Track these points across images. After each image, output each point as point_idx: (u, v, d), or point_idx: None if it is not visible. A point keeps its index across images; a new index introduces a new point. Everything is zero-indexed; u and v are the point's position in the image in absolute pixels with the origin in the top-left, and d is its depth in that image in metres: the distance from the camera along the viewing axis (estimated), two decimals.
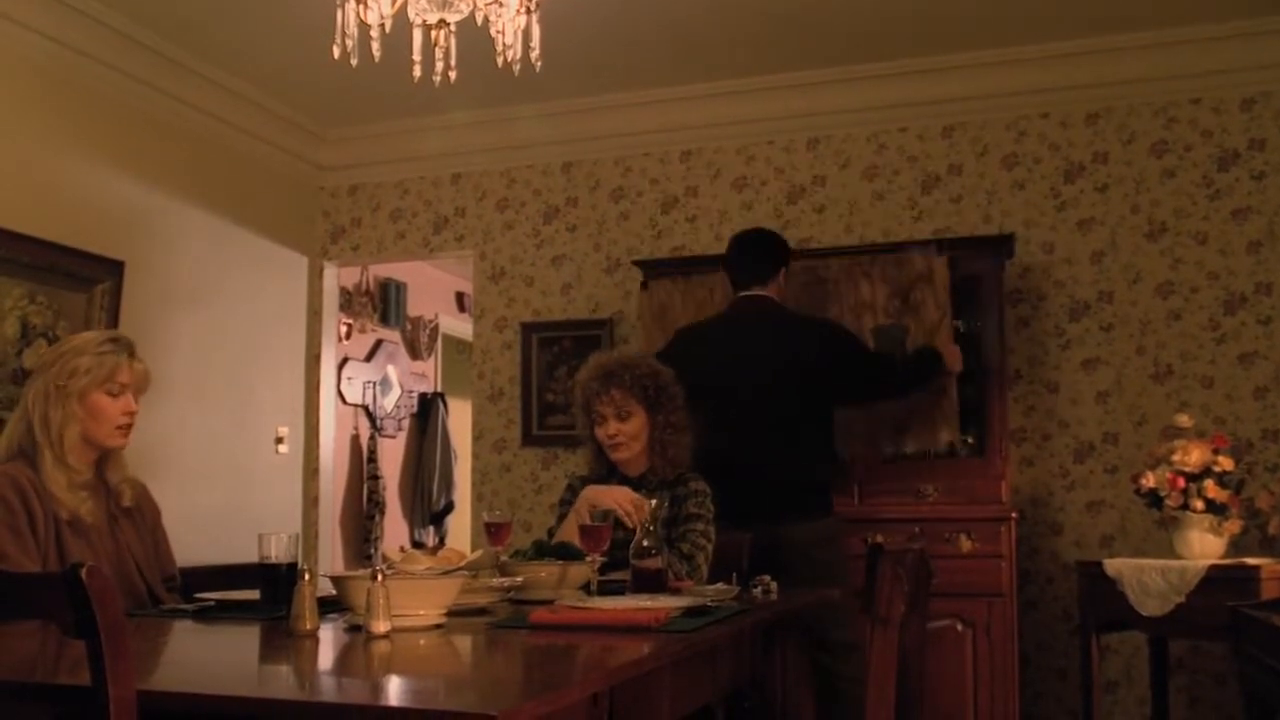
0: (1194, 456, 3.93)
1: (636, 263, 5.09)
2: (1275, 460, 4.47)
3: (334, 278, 6.01)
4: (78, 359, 2.53)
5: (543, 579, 2.55)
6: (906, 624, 2.33)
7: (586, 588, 2.54)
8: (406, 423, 7.51)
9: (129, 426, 2.60)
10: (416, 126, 5.60)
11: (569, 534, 2.94)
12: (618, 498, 2.97)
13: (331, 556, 6.04)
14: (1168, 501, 3.93)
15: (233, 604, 2.44)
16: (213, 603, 2.46)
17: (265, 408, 5.52)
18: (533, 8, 2.82)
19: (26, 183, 4.29)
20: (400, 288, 7.36)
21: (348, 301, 6.73)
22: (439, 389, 7.85)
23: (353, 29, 2.72)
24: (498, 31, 2.79)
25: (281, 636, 2.06)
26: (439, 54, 2.79)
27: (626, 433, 3.15)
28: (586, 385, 3.20)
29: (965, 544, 4.18)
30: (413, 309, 7.59)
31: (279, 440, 5.60)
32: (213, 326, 5.18)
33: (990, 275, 4.48)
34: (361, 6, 2.70)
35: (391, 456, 7.34)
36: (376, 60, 2.73)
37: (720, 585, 2.68)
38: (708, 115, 5.23)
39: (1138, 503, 4.19)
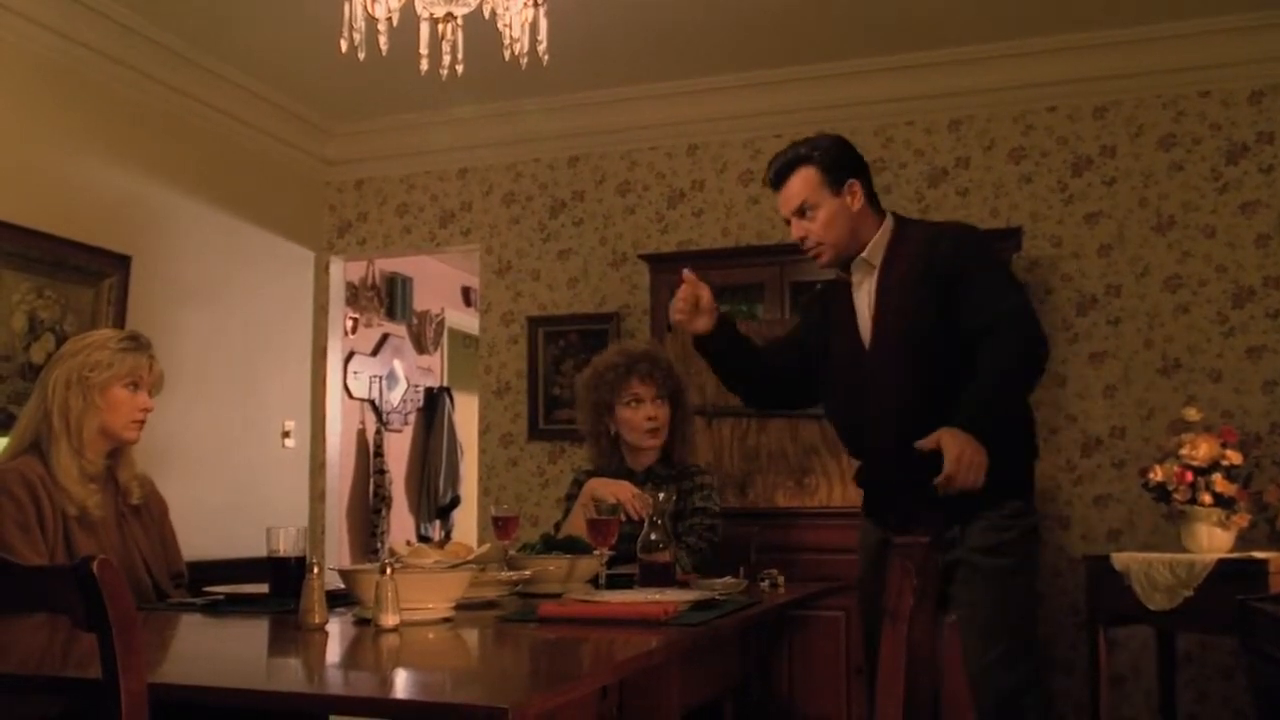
0: (1202, 450, 3.92)
1: (643, 256, 5.09)
2: None
3: (340, 272, 6.01)
4: (100, 353, 2.57)
5: (551, 572, 2.55)
6: (916, 617, 2.33)
7: (595, 581, 2.54)
8: (413, 417, 7.51)
9: (143, 422, 2.64)
10: (423, 121, 5.59)
11: (575, 528, 2.93)
12: (618, 492, 2.97)
13: (338, 550, 6.05)
14: (1175, 495, 3.92)
15: (241, 598, 2.45)
16: (221, 596, 2.47)
17: (272, 402, 5.52)
18: (539, 1, 2.82)
19: (34, 178, 4.29)
20: (406, 282, 7.36)
21: (354, 296, 6.73)
22: (445, 383, 7.85)
23: (360, 23, 2.72)
24: (505, 25, 2.79)
25: (290, 630, 2.06)
26: (446, 48, 2.79)
27: (660, 418, 3.14)
28: (607, 373, 3.17)
29: None
30: (419, 303, 7.59)
31: (285, 434, 5.61)
32: (219, 321, 5.18)
33: None
34: (369, 0, 2.69)
35: (398, 451, 7.34)
36: (383, 54, 2.72)
37: (728, 578, 2.68)
38: (714, 109, 5.22)
39: (1145, 497, 4.18)
